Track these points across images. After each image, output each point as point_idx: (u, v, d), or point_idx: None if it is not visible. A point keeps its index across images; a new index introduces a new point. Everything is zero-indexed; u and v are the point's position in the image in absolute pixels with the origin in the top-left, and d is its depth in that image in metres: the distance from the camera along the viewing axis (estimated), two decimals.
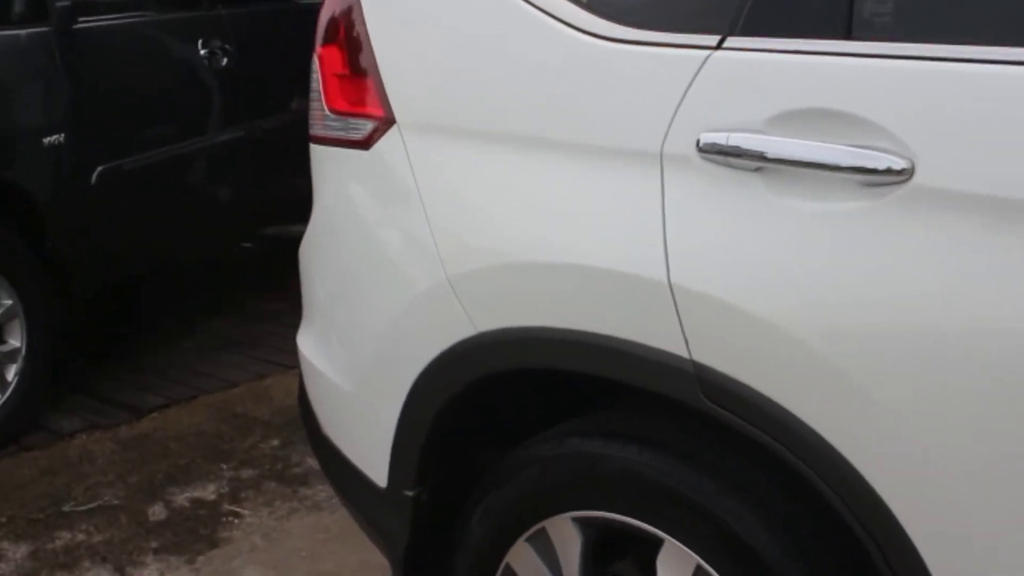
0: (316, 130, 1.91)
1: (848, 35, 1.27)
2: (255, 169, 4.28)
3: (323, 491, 3.06)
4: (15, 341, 3.39)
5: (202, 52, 4.01)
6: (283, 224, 4.68)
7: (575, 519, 1.58)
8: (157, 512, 3.01)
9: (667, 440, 1.49)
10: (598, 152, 1.45)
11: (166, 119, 3.91)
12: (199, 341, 4.30)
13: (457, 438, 1.76)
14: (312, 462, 3.18)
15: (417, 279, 1.69)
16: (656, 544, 1.48)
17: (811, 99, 1.26)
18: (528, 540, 1.65)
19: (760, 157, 1.29)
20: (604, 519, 1.54)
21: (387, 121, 1.73)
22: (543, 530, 1.63)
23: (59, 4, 3.36)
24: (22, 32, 3.35)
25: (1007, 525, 1.18)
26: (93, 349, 4.14)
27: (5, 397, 3.37)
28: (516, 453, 1.67)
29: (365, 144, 1.77)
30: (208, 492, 3.12)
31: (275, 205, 4.44)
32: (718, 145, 1.32)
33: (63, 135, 3.39)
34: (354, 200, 1.86)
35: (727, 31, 1.35)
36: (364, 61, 1.76)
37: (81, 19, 3.48)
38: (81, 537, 2.88)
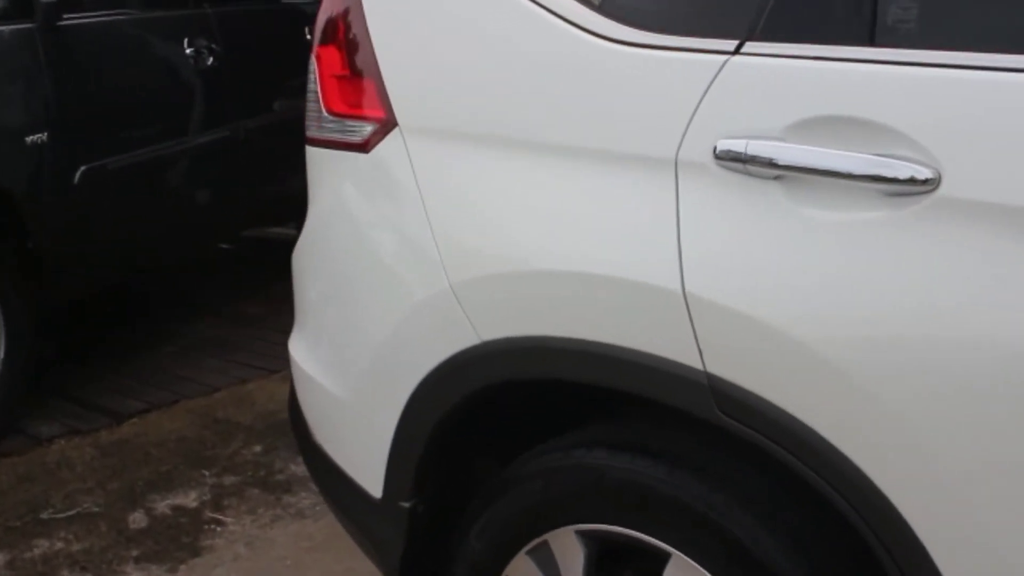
0: (313, 132, 1.87)
1: (871, 42, 1.25)
2: (241, 169, 4.24)
3: (307, 498, 3.02)
4: None
5: (188, 51, 3.97)
6: (268, 225, 4.66)
7: (579, 532, 1.55)
8: (138, 520, 2.95)
9: (677, 452, 1.47)
10: (611, 158, 1.42)
11: (151, 118, 3.86)
12: (179, 345, 4.24)
13: (455, 449, 1.72)
14: (296, 469, 3.15)
15: (418, 286, 1.65)
16: (663, 558, 1.46)
17: (833, 106, 1.24)
18: (529, 553, 1.63)
19: (779, 165, 1.27)
20: (609, 532, 1.51)
21: (387, 123, 1.69)
22: (545, 543, 1.60)
23: (44, 0, 3.30)
24: (5, 29, 3.29)
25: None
26: (73, 353, 4.08)
27: None
28: (518, 465, 1.64)
29: (364, 147, 1.73)
30: (190, 499, 3.06)
31: (262, 205, 4.41)
32: (736, 152, 1.29)
33: (46, 134, 3.33)
34: (352, 204, 1.82)
35: (745, 35, 1.32)
36: (364, 62, 1.72)
37: (66, 16, 3.43)
38: (60, 545, 2.82)
